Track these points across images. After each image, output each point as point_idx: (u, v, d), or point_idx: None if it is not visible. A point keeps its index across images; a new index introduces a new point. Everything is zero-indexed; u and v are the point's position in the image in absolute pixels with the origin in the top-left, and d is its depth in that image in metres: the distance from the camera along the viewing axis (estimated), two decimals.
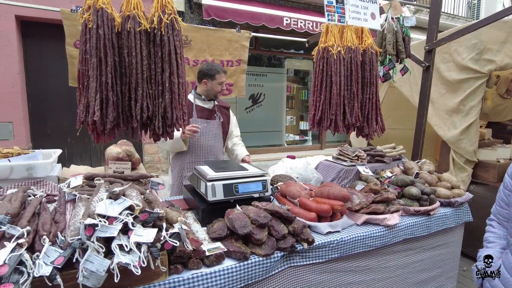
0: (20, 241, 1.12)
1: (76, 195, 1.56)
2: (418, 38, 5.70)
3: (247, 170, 2.07)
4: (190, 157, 2.85)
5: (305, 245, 1.71)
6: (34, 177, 1.70)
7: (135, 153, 1.99)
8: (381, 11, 2.73)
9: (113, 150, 1.96)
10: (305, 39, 3.97)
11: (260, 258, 1.58)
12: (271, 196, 2.15)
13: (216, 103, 2.94)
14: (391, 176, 2.58)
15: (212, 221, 1.80)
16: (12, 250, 1.09)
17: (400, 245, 2.14)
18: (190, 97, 2.84)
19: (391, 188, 2.35)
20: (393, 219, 2.05)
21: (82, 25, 1.54)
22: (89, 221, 1.16)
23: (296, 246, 1.71)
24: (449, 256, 2.45)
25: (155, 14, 1.60)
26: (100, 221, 1.17)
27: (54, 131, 6.08)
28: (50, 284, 1.13)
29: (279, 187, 2.29)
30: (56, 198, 1.62)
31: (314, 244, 1.75)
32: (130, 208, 1.25)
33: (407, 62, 2.94)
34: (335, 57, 2.27)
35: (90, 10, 1.52)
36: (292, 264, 1.73)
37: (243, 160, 2.99)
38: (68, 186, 1.64)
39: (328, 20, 2.33)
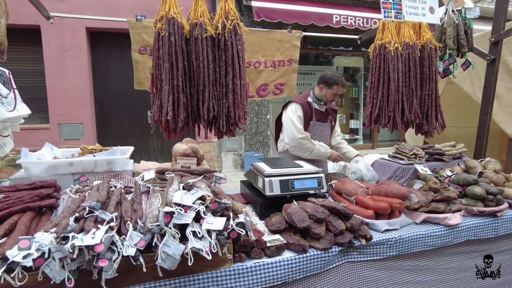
0: (112, 224, 1.29)
1: (149, 187, 1.74)
2: (481, 29, 5.32)
3: (302, 167, 2.13)
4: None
5: (363, 241, 1.73)
6: (113, 171, 1.92)
7: (199, 149, 2.15)
8: (440, 3, 2.63)
9: (180, 147, 2.13)
10: (356, 36, 3.92)
11: (318, 252, 1.63)
12: (326, 193, 2.18)
13: (327, 106, 3.05)
14: (452, 175, 2.48)
15: (269, 214, 1.88)
16: (106, 232, 1.26)
17: (463, 247, 2.06)
18: (309, 100, 2.96)
19: (452, 187, 2.27)
20: (454, 218, 1.98)
21: (155, 34, 1.71)
22: (167, 209, 1.30)
23: (354, 242, 1.73)
24: None
25: (219, 20, 1.73)
26: (176, 209, 1.30)
27: (117, 131, 6.62)
28: (134, 264, 1.29)
29: (333, 185, 2.32)
30: (132, 189, 1.81)
31: (372, 240, 1.76)
32: (202, 198, 1.38)
33: (468, 56, 2.79)
34: (393, 54, 2.24)
35: (162, 20, 1.68)
36: (350, 260, 1.76)
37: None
38: (142, 179, 1.82)
39: (385, 17, 2.30)
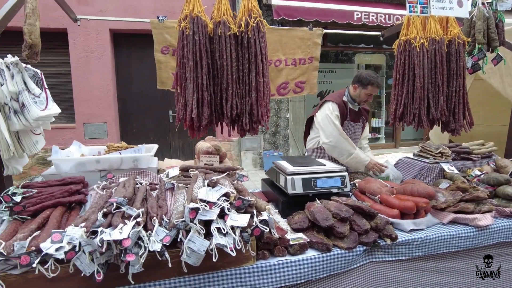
0: (138, 219, 1.31)
1: (174, 184, 1.76)
2: None
3: (325, 165, 2.11)
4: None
5: (388, 241, 1.70)
6: (138, 168, 1.97)
7: (222, 147, 2.17)
8: None
9: (203, 145, 2.16)
10: (378, 33, 3.83)
11: (342, 251, 1.61)
12: (349, 192, 2.15)
13: (360, 106, 2.99)
14: (481, 175, 2.40)
15: (291, 213, 1.88)
16: (133, 227, 1.29)
17: (493, 249, 1.98)
18: (345, 99, 2.91)
19: (481, 187, 2.19)
20: (484, 219, 1.91)
21: (180, 33, 1.73)
22: (192, 205, 1.32)
23: (379, 241, 1.70)
24: None
25: (242, 18, 1.73)
26: (201, 205, 1.32)
27: (139, 130, 6.77)
28: (160, 259, 1.31)
29: (357, 184, 2.28)
30: (157, 186, 1.84)
31: (397, 240, 1.72)
32: (226, 195, 1.39)
33: (500, 51, 2.68)
34: (418, 50, 2.18)
35: (187, 19, 1.70)
36: (374, 259, 1.73)
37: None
38: (167, 176, 1.85)
39: (410, 12, 2.24)
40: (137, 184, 1.77)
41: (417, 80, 2.20)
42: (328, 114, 2.78)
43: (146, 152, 2.05)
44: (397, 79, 2.34)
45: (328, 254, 1.59)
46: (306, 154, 3.22)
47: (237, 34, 1.75)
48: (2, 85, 1.53)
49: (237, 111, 1.77)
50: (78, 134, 6.15)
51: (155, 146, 2.27)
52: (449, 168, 2.54)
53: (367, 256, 1.71)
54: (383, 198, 1.98)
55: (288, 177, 1.93)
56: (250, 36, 1.72)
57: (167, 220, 1.45)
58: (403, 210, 1.87)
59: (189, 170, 1.79)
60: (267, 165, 6.83)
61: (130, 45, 6.50)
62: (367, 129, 3.22)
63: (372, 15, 6.69)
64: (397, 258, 1.76)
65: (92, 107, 6.19)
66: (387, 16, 6.77)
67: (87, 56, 6.05)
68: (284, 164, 2.10)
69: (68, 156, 2.07)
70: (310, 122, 3.12)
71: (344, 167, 2.10)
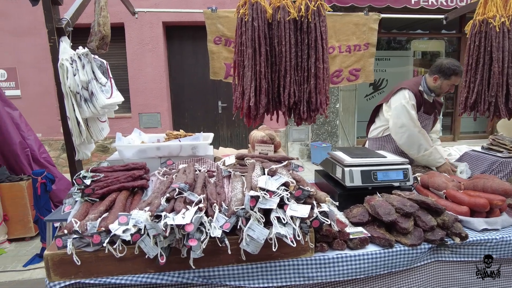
0: (200, 205, 1.33)
1: (230, 172, 1.77)
2: None
3: (386, 157, 2.00)
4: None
5: (457, 240, 1.57)
6: (196, 155, 2.01)
7: (276, 137, 2.15)
8: None
9: (258, 134, 2.15)
10: (440, 16, 3.53)
11: (406, 248, 1.52)
12: (411, 186, 2.02)
13: (435, 97, 2.80)
14: None
15: (348, 206, 1.80)
16: (195, 213, 1.31)
17: None
18: (421, 88, 2.71)
19: None
20: None
21: (238, 20, 1.71)
22: (252, 193, 1.31)
23: (446, 240, 1.58)
24: None
25: (302, 2, 1.67)
26: (261, 193, 1.30)
27: (190, 120, 6.98)
28: (220, 245, 1.32)
29: (419, 178, 2.14)
30: (214, 173, 1.87)
31: (468, 240, 1.58)
32: (285, 184, 1.36)
33: None
34: (498, 30, 1.95)
35: (245, 5, 1.68)
36: (440, 259, 1.61)
37: None
38: (224, 164, 1.87)
39: None
40: (196, 171, 1.80)
41: (495, 64, 1.98)
42: (403, 102, 2.57)
43: (203, 140, 2.08)
44: (469, 64, 2.12)
45: (390, 250, 1.51)
46: (367, 143, 3.07)
47: (297, 19, 1.69)
48: (75, 75, 1.63)
49: (295, 99, 1.73)
50: (133, 123, 6.49)
51: (211, 135, 2.31)
52: None
53: (433, 254, 1.60)
54: (450, 193, 1.83)
55: (346, 169, 1.86)
56: (310, 20, 1.65)
57: (226, 207, 1.46)
58: (473, 207, 1.71)
59: (245, 158, 1.79)
60: (314, 156, 6.71)
61: (182, 37, 6.68)
62: (438, 124, 2.97)
63: None
64: (466, 259, 1.62)
65: (147, 97, 6.50)
66: None
67: (142, 48, 6.34)
68: (341, 155, 2.02)
69: (130, 143, 2.17)
70: (376, 110, 2.96)
71: (407, 160, 1.97)
